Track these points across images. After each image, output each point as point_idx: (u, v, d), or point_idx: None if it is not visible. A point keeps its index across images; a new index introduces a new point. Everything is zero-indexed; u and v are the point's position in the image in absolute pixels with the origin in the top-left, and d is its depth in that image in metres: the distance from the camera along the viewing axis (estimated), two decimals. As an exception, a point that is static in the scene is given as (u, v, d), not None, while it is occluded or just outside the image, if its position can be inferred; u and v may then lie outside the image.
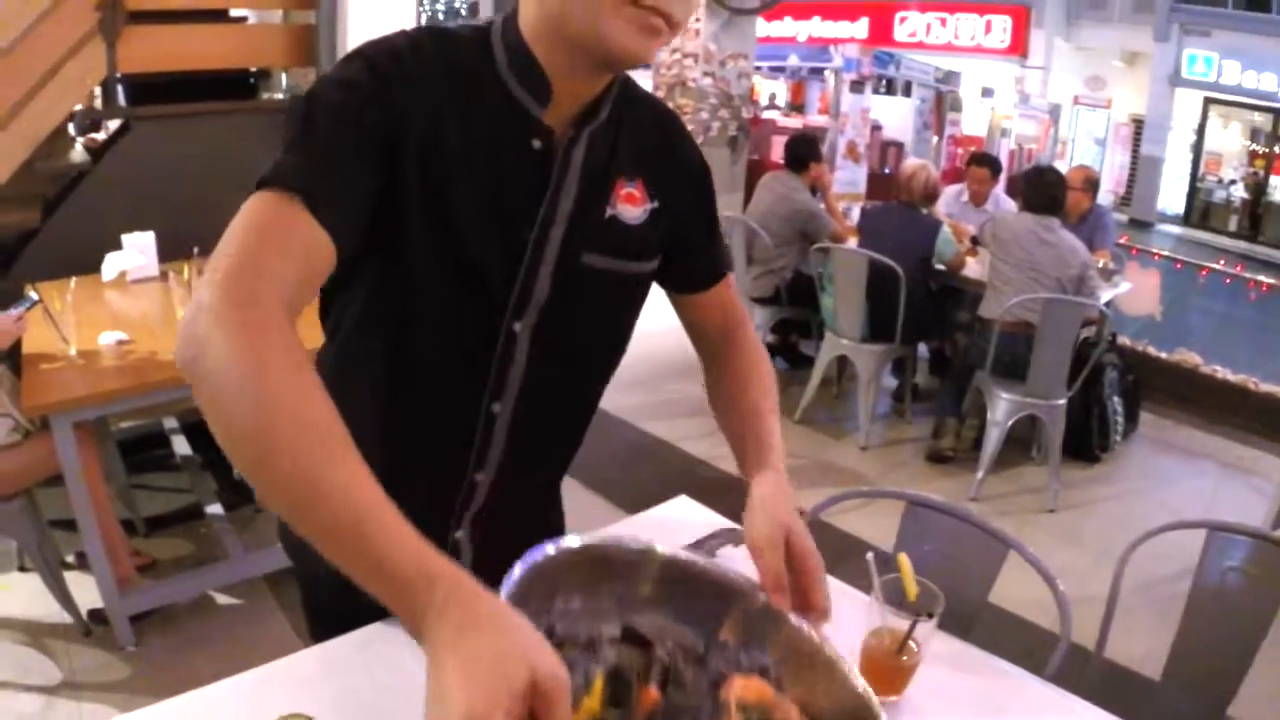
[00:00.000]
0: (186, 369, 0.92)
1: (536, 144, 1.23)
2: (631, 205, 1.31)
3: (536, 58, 1.20)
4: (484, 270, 1.24)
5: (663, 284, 1.47)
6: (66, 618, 3.17)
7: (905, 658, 1.40)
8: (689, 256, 1.45)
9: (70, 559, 3.46)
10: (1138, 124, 21.19)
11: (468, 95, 1.20)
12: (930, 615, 1.39)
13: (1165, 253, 13.43)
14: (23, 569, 3.43)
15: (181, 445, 4.16)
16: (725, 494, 1.60)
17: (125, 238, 3.81)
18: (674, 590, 1.09)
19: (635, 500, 1.90)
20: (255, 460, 0.88)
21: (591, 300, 1.33)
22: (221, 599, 3.39)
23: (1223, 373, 5.94)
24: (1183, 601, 2.07)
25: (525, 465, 1.42)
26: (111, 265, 3.78)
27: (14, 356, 3.03)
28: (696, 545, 1.37)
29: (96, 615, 3.15)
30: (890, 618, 1.40)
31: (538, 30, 1.19)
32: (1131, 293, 5.59)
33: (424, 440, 1.34)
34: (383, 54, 1.16)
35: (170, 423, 4.28)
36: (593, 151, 1.28)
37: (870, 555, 1.46)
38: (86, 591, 3.13)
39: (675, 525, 1.77)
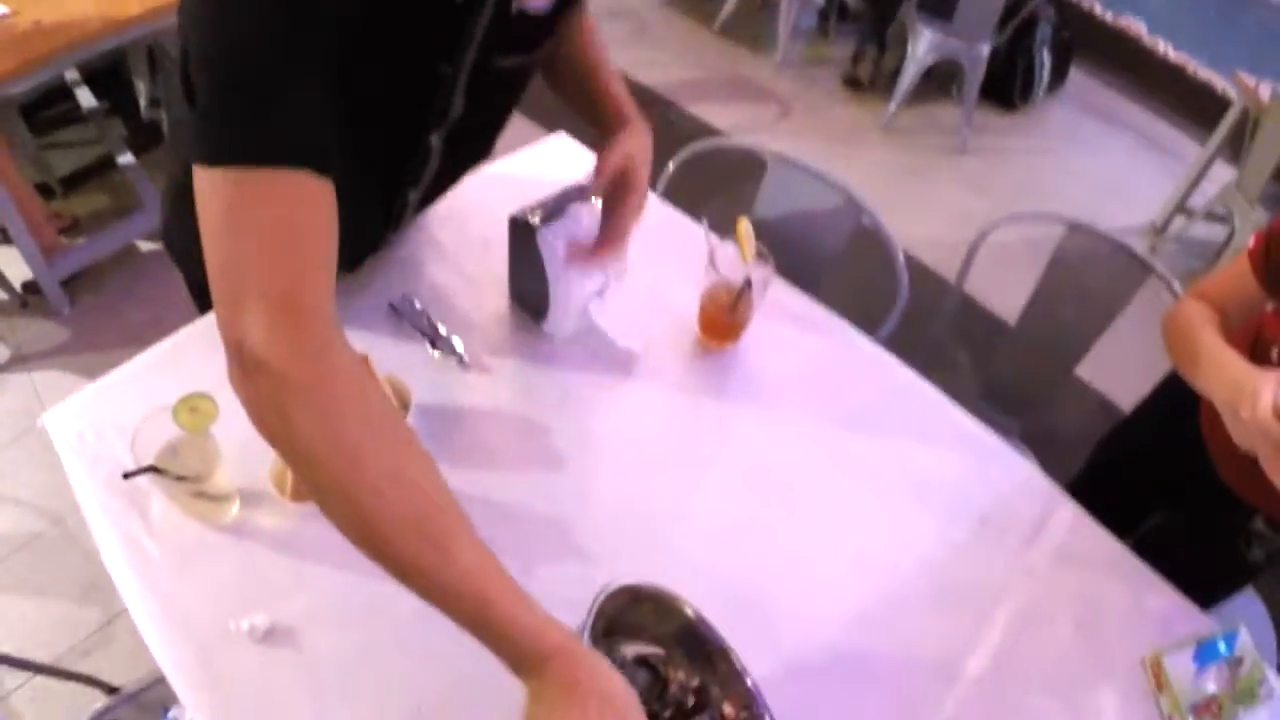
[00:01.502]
0: (273, 443, 0.88)
1: None
2: None
3: None
4: (400, 106, 1.19)
5: None
6: (2, 295, 3.21)
7: (738, 312, 1.52)
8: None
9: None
10: None
11: None
12: (755, 280, 1.47)
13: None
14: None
15: (86, 97, 4.03)
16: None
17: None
18: (690, 647, 1.13)
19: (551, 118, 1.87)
20: (371, 552, 0.87)
21: (503, 94, 1.33)
22: (145, 246, 3.39)
23: (1165, 49, 5.63)
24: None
25: (448, 184, 1.50)
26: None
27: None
28: (546, 205, 1.40)
29: (30, 287, 3.17)
30: (725, 276, 1.50)
31: None
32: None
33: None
34: None
35: (72, 74, 4.11)
36: None
37: (704, 220, 1.54)
38: (16, 266, 3.14)
39: (548, 164, 1.83)
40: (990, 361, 2.24)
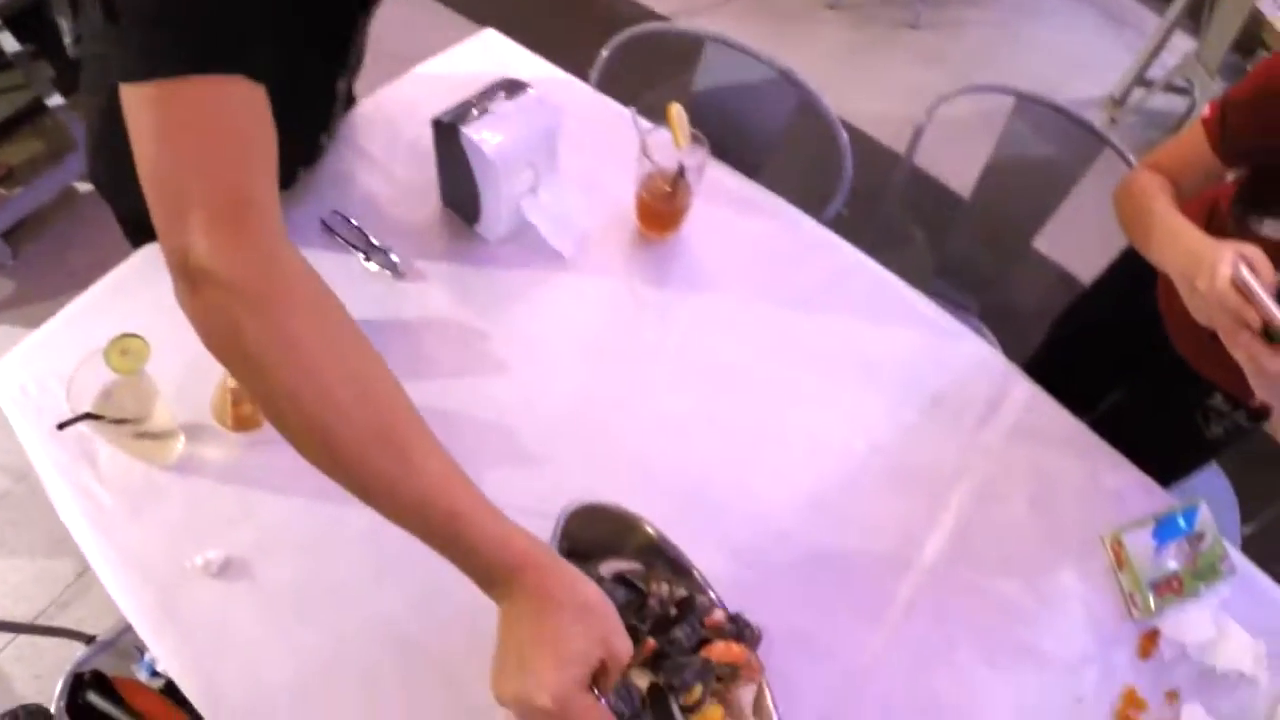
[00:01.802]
0: (224, 361, 0.84)
1: None
2: None
3: None
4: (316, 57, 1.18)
5: None
6: (-55, 253, 3.09)
7: (675, 200, 1.47)
8: None
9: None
10: None
11: None
12: (689, 165, 1.43)
13: None
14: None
15: (8, 40, 3.89)
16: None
17: None
18: (652, 560, 1.11)
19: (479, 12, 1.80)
20: (331, 467, 0.83)
21: None
22: (84, 188, 3.30)
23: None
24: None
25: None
26: None
27: None
28: (471, 103, 1.35)
29: (-29, 241, 3.09)
30: (659, 163, 1.44)
31: None
32: None
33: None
34: None
35: (-10, 18, 3.95)
36: None
37: (633, 109, 1.48)
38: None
39: (477, 62, 1.76)
40: (946, 238, 2.20)
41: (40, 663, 2.11)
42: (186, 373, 1.22)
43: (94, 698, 1.45)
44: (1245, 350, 1.08)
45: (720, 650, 1.04)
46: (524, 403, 1.33)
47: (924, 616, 1.25)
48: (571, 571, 0.84)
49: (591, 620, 0.81)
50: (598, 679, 0.81)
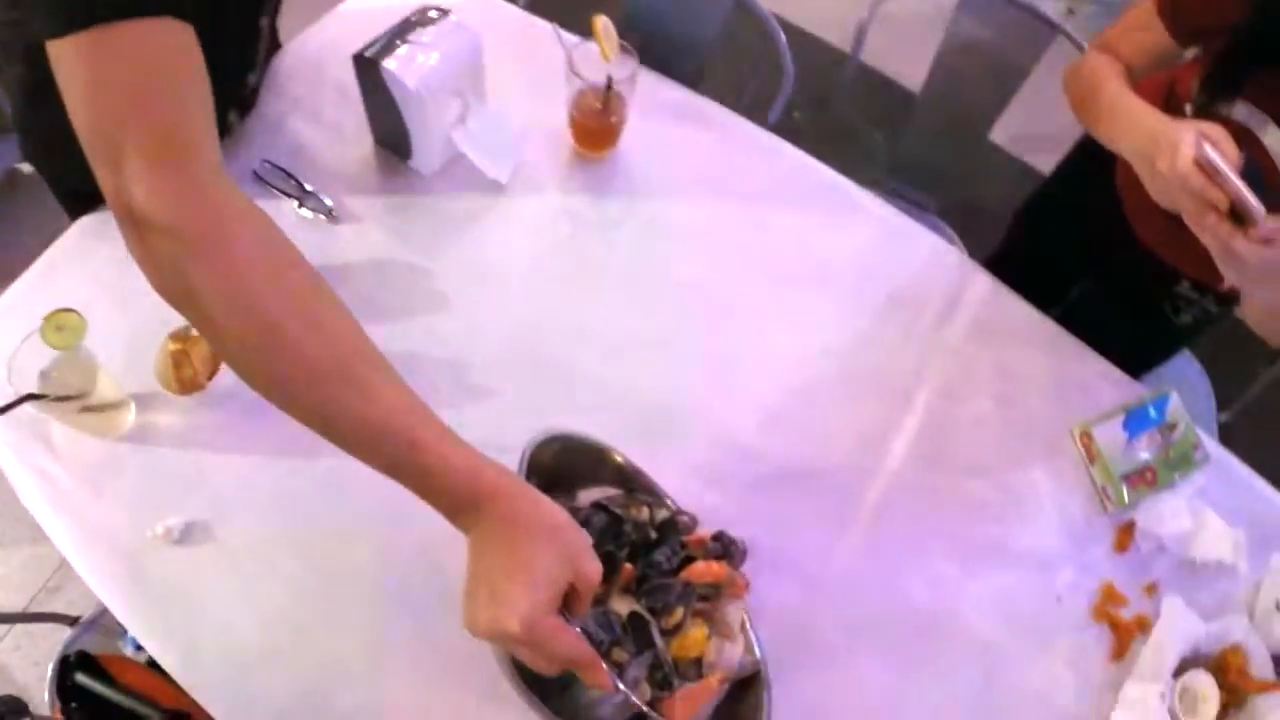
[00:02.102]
0: (178, 307, 0.82)
1: None
2: None
3: None
4: None
5: None
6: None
7: (609, 115, 1.41)
8: None
9: None
10: None
11: None
12: (618, 77, 1.36)
13: None
14: None
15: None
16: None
17: None
18: (630, 486, 1.11)
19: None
20: (288, 404, 0.82)
21: None
22: (26, 169, 3.25)
23: None
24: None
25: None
26: None
27: None
28: (390, 35, 1.29)
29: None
30: (588, 79, 1.38)
31: None
32: None
33: None
34: None
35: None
36: None
37: (554, 24, 1.42)
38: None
39: None
40: (900, 137, 2.14)
41: (36, 650, 2.12)
42: (130, 342, 1.20)
43: (82, 678, 1.45)
44: (1213, 233, 1.03)
45: (701, 570, 1.03)
46: (472, 337, 1.30)
47: (894, 523, 1.24)
48: (538, 496, 0.84)
49: (560, 543, 0.81)
50: (569, 603, 0.81)
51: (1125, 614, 1.23)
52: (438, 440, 0.82)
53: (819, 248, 1.44)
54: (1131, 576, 1.25)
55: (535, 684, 0.91)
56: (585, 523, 1.02)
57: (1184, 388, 1.35)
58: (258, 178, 1.39)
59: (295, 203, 1.37)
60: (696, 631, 1.01)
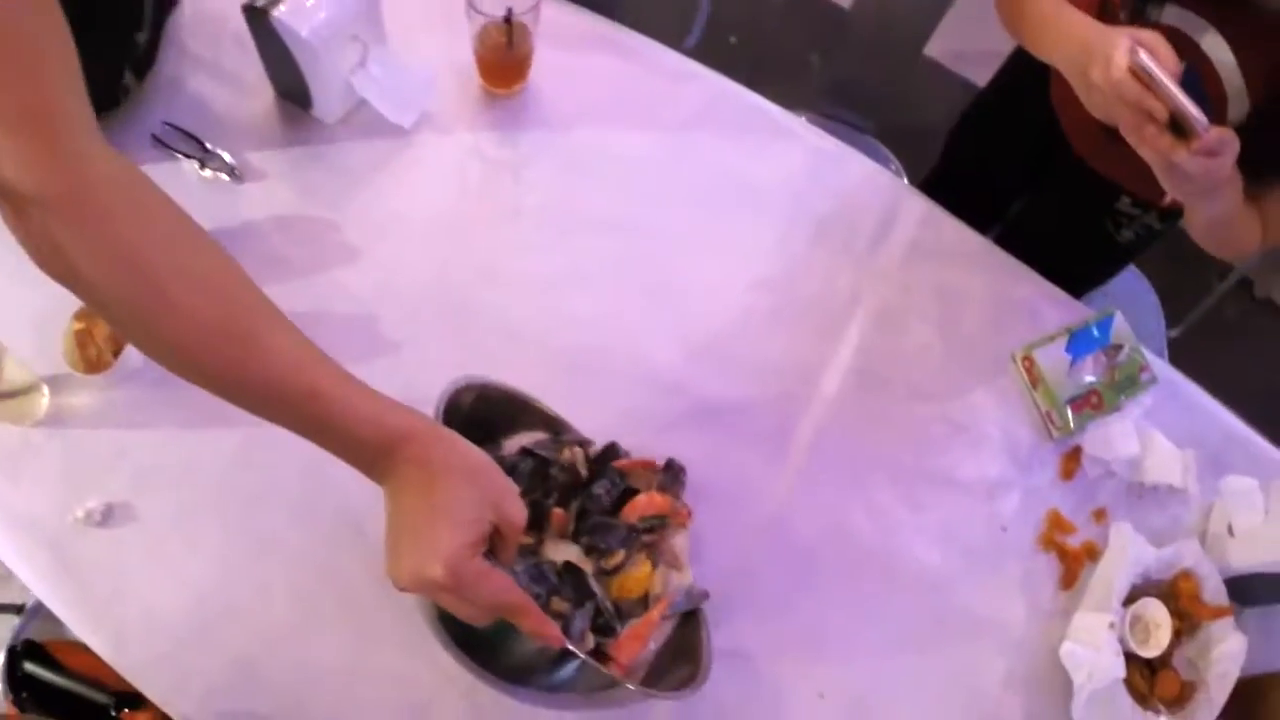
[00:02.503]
0: (62, 283, 0.78)
1: None
2: None
3: None
4: None
5: None
6: None
7: (515, 48, 1.33)
8: None
9: None
10: None
11: None
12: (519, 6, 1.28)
13: None
14: None
15: None
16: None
17: None
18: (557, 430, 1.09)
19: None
20: (185, 370, 0.79)
21: None
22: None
23: None
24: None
25: None
26: None
27: None
28: None
29: None
30: (489, 12, 1.29)
31: None
32: None
33: None
34: None
35: None
36: None
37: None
38: None
39: None
40: (834, 58, 2.06)
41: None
42: (38, 325, 1.16)
43: (31, 667, 1.44)
44: (1152, 146, 0.96)
45: (643, 504, 1.02)
46: (383, 289, 1.25)
47: (833, 454, 1.21)
48: (455, 437, 0.80)
49: (481, 484, 0.78)
50: (496, 550, 0.80)
51: (1073, 542, 1.20)
52: (341, 389, 0.78)
53: (745, 175, 1.37)
54: (1079, 503, 1.22)
55: (468, 645, 0.87)
56: (512, 470, 0.99)
57: (1132, 305, 1.31)
58: (158, 141, 1.32)
59: (197, 164, 1.31)
60: (639, 570, 1.00)
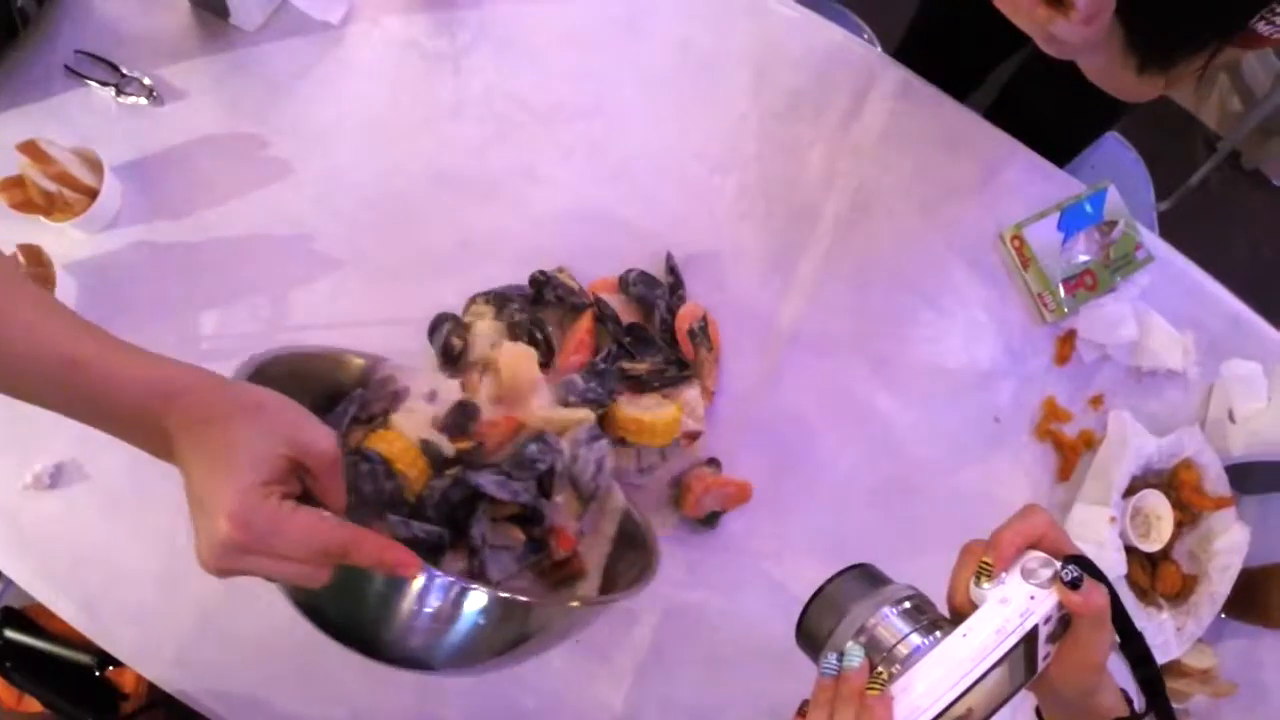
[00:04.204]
0: None
1: None
2: None
3: None
4: None
5: None
6: None
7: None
8: None
9: None
10: None
11: None
12: None
13: None
14: None
15: None
16: None
17: None
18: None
19: None
20: None
21: None
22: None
23: None
24: None
25: None
26: None
27: None
28: None
29: None
30: None
31: None
32: None
33: None
34: None
35: None
36: None
37: None
38: None
39: None
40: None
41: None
42: None
43: (11, 634, 1.43)
44: (1029, 18, 0.87)
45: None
46: (320, 204, 1.19)
47: (808, 349, 1.15)
48: (233, 382, 0.70)
49: (264, 418, 0.66)
50: (316, 492, 0.68)
51: (1069, 431, 1.15)
52: (102, 355, 0.67)
53: (701, 50, 1.26)
54: (1074, 389, 1.17)
55: (345, 626, 0.74)
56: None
57: (1121, 177, 1.22)
58: (70, 71, 1.23)
59: (112, 91, 1.23)
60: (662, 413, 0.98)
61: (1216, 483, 1.12)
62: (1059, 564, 0.58)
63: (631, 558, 0.93)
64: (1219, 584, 1.09)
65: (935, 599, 0.65)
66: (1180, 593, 1.11)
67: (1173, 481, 1.12)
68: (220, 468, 0.62)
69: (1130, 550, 1.07)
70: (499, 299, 1.08)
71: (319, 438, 0.67)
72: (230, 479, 0.62)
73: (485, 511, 0.84)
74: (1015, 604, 0.57)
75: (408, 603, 0.69)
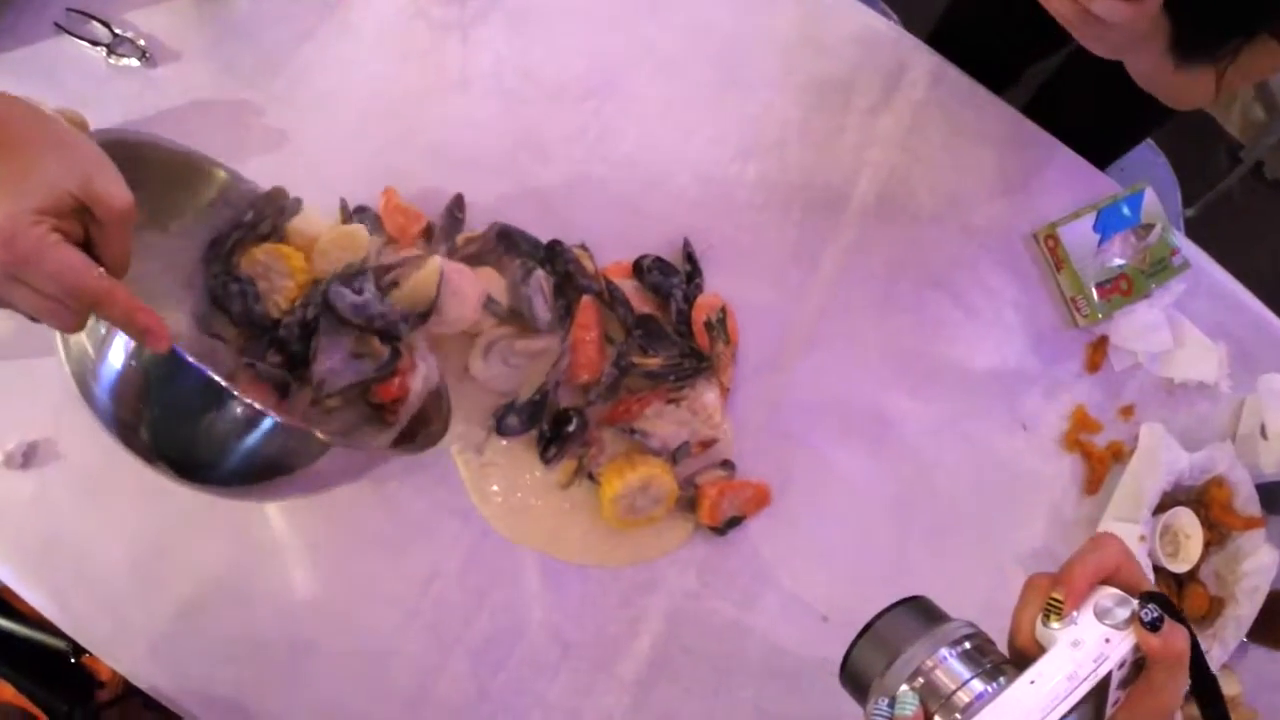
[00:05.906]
0: None
1: None
2: None
3: None
4: None
5: None
6: None
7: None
8: None
9: None
10: None
11: None
12: None
13: None
14: None
15: None
16: None
17: None
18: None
19: None
20: None
21: None
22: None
23: None
24: None
25: None
26: None
27: None
28: None
29: None
30: None
31: None
32: None
33: None
34: None
35: None
36: None
37: None
38: None
39: None
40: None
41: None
42: None
43: None
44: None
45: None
46: (316, 174, 1.12)
47: (836, 346, 1.12)
48: (55, 119, 0.70)
49: (66, 154, 0.67)
50: (97, 241, 0.69)
51: (1099, 442, 1.11)
52: None
53: (724, 32, 1.22)
54: (1105, 399, 1.13)
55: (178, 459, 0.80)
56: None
57: (1151, 184, 1.18)
58: (60, 29, 1.20)
59: (104, 51, 1.20)
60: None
61: (1248, 502, 1.08)
62: (1136, 602, 0.53)
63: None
64: (1245, 607, 1.05)
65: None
66: (1206, 615, 1.07)
67: (1203, 499, 1.08)
68: (8, 191, 0.63)
69: (1156, 570, 1.03)
70: (509, 237, 1.06)
71: (115, 192, 0.68)
72: (7, 200, 0.62)
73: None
74: (1089, 647, 0.52)
75: (178, 398, 0.77)
